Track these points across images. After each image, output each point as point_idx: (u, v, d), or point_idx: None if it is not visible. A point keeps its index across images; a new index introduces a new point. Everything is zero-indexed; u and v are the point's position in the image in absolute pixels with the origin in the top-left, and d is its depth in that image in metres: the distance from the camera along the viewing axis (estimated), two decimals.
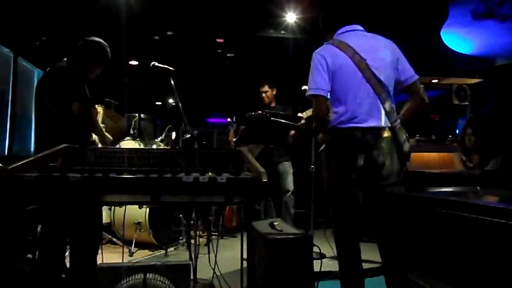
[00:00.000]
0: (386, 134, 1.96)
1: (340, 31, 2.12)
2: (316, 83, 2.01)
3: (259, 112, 3.50)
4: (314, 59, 2.05)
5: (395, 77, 2.05)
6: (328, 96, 2.03)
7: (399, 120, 2.00)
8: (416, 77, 2.07)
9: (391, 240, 1.97)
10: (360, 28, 2.13)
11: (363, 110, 1.96)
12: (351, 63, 1.98)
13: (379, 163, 1.94)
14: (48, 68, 2.46)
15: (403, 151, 2.00)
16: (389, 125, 1.98)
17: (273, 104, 4.10)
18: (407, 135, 2.03)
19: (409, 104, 2.11)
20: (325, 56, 2.02)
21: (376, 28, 2.17)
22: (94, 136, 2.46)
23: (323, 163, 2.13)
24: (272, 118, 3.21)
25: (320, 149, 2.24)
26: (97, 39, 2.53)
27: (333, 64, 2.00)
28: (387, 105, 1.98)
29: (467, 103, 6.39)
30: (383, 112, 1.98)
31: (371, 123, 1.96)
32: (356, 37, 2.07)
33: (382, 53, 2.03)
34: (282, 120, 3.33)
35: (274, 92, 4.12)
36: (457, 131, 6.58)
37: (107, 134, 2.51)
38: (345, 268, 2.03)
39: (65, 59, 2.44)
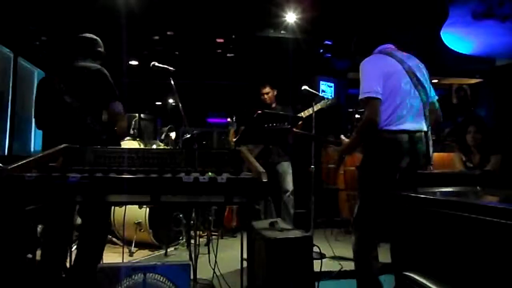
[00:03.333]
0: (424, 138, 2.09)
1: (377, 49, 2.24)
2: (371, 86, 2.07)
3: (280, 123, 3.44)
4: (366, 66, 2.13)
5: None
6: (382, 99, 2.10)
7: (430, 127, 2.14)
8: (437, 97, 2.24)
9: (394, 240, 2.00)
10: (394, 47, 2.26)
11: (411, 113, 2.07)
12: (401, 69, 2.09)
13: (420, 165, 2.05)
14: (56, 68, 2.44)
15: (429, 157, 2.12)
16: (426, 130, 2.11)
17: (273, 105, 4.13)
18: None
19: None
20: (376, 62, 2.13)
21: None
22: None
23: (367, 164, 2.17)
24: (294, 129, 3.17)
25: (365, 154, 2.23)
26: (91, 35, 2.51)
27: (385, 68, 2.09)
28: (427, 111, 2.12)
29: (467, 103, 6.40)
30: (424, 117, 2.11)
31: (417, 127, 2.08)
32: (397, 52, 2.21)
33: (420, 66, 2.19)
34: (303, 132, 3.35)
35: (275, 93, 4.15)
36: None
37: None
38: (364, 265, 2.12)
39: (80, 60, 2.41)
